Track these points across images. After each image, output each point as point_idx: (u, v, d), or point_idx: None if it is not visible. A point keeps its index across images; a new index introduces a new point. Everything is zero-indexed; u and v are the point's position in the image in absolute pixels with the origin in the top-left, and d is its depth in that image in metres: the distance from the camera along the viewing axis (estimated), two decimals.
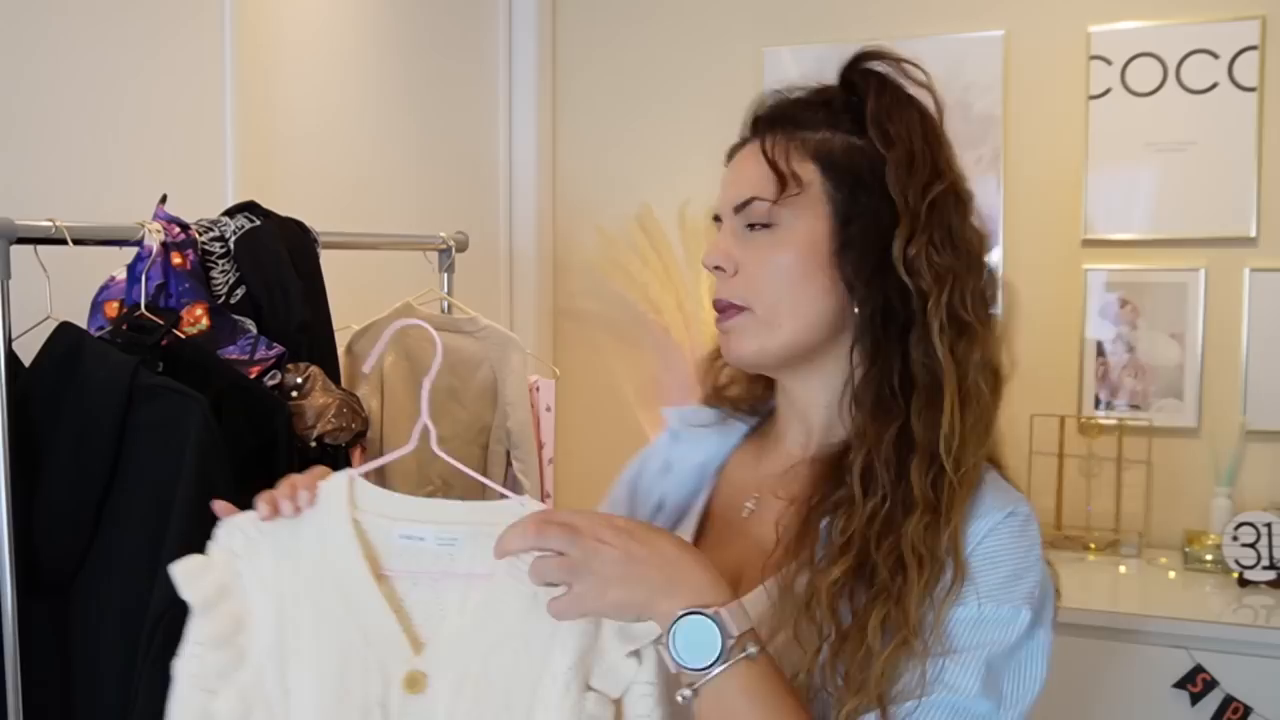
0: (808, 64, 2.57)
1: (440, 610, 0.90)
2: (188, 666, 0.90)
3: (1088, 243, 2.42)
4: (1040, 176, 2.45)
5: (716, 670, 0.82)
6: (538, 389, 1.81)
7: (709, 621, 0.82)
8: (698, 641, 0.82)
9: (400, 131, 2.39)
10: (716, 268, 1.00)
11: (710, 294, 1.03)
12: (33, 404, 1.21)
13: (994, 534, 0.91)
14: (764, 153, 0.98)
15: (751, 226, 0.98)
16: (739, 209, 0.99)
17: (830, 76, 1.02)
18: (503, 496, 0.93)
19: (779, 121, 1.00)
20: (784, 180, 0.96)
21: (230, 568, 0.91)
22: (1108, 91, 2.38)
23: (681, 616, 0.83)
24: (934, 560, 0.88)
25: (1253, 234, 2.30)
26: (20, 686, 1.18)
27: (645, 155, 2.79)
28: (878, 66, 1.00)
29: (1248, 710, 1.85)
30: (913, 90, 0.99)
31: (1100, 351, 2.41)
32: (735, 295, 0.99)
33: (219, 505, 0.94)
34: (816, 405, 1.01)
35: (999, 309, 0.98)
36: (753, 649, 0.83)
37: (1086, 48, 2.40)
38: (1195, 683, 1.87)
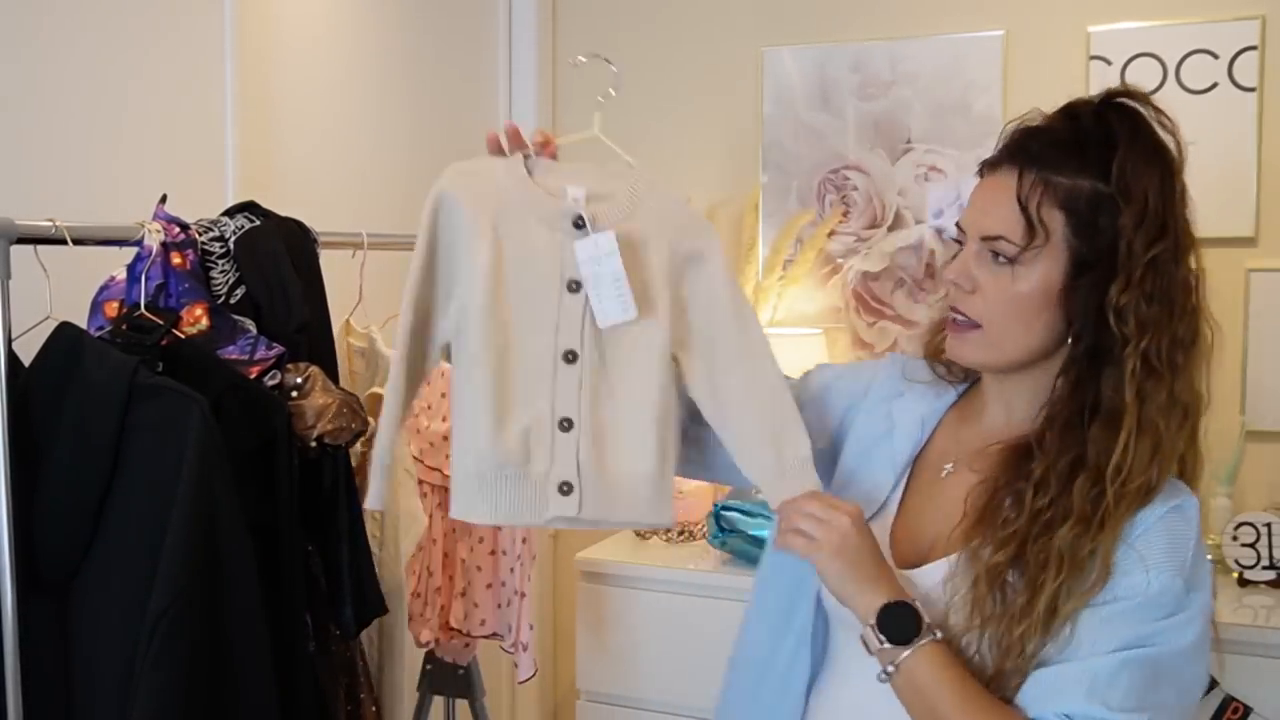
0: (808, 64, 2.57)
1: None
2: None
3: None
4: None
5: (911, 649, 1.03)
6: None
7: (909, 610, 1.04)
8: (898, 627, 1.04)
9: (400, 131, 2.39)
10: (955, 283, 1.13)
11: None
12: (33, 404, 1.21)
13: (1161, 521, 1.04)
14: (1018, 196, 1.08)
15: (995, 255, 1.09)
16: (987, 239, 1.10)
17: (830, 76, 1.10)
18: None
19: (1035, 159, 1.09)
20: (1033, 230, 1.07)
21: None
22: None
23: (886, 607, 1.04)
24: (1074, 563, 1.02)
25: (1252, 234, 2.30)
26: (20, 686, 1.18)
27: (645, 155, 2.78)
28: (1134, 108, 1.10)
29: (1248, 710, 1.85)
30: (1163, 135, 1.09)
31: None
32: (971, 311, 1.12)
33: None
34: (1020, 402, 1.15)
35: (1206, 339, 1.09)
36: (939, 633, 1.04)
37: (1086, 48, 2.39)
38: None
